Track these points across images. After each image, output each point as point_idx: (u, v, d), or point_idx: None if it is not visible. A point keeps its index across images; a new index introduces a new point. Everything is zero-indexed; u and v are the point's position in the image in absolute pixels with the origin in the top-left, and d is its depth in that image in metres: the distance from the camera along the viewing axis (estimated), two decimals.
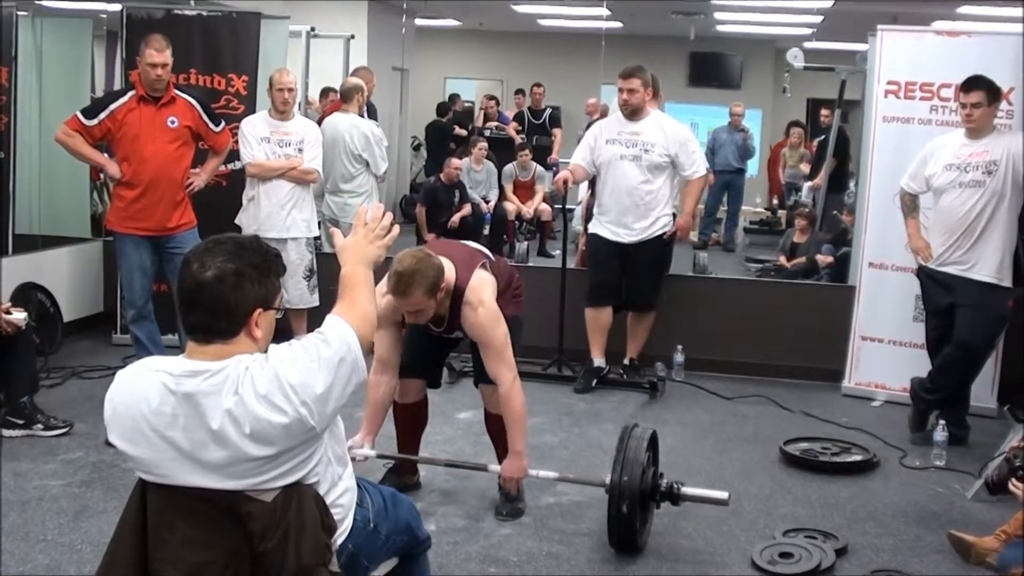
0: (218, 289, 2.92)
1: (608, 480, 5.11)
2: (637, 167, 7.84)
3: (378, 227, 3.40)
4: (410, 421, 5.80)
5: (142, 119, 6.96)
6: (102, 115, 6.95)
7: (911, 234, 7.03)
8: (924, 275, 6.98)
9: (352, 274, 3.30)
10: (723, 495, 5.23)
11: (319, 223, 8.50)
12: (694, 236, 14.39)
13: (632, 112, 7.86)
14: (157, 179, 7.01)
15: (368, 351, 3.14)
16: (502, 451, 5.62)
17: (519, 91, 17.35)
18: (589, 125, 10.18)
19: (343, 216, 8.74)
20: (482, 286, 5.25)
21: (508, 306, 5.40)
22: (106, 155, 7.29)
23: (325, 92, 11.73)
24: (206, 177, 7.44)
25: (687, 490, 5.19)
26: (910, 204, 7.08)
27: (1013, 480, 4.87)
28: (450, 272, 5.14)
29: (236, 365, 2.90)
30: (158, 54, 6.90)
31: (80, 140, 6.97)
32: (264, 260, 3.04)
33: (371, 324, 3.23)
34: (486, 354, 5.29)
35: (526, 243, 12.92)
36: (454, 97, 18.19)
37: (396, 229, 3.46)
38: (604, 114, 12.29)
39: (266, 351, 3.00)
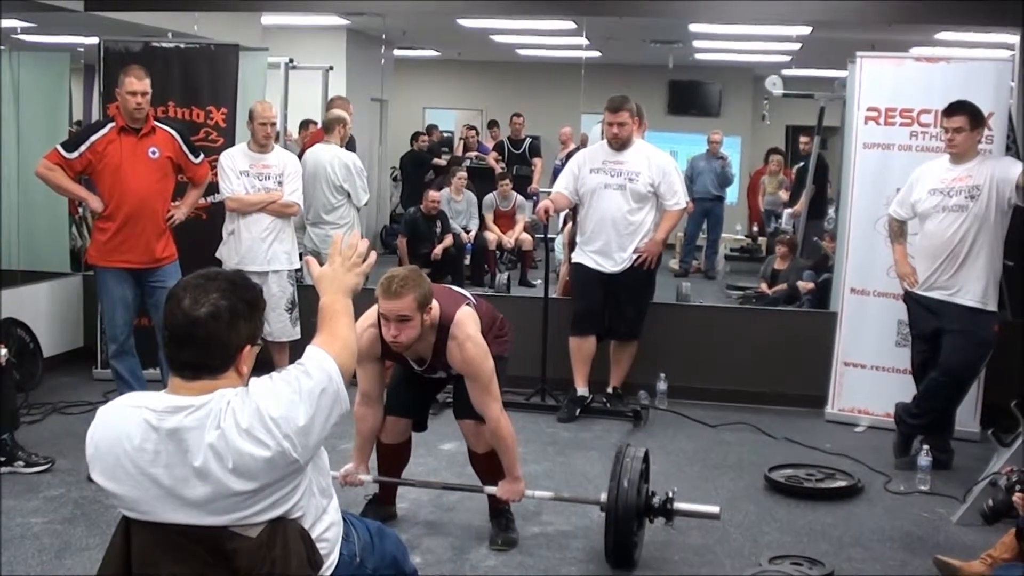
0: (213, 326, 2.90)
1: (603, 498, 5.14)
2: (622, 196, 7.86)
3: (355, 255, 3.39)
4: (392, 460, 5.78)
5: (123, 150, 6.92)
6: (83, 147, 6.90)
7: (897, 260, 7.05)
8: (910, 300, 7.00)
9: (331, 304, 3.28)
10: (715, 509, 5.31)
11: (300, 255, 8.47)
12: (674, 264, 14.45)
13: (621, 143, 7.87)
14: (139, 211, 6.97)
15: (350, 381, 3.12)
16: (492, 495, 5.63)
17: (492, 123, 17.38)
18: (570, 155, 10.20)
19: (325, 248, 8.69)
20: (467, 321, 5.23)
21: (492, 345, 5.37)
22: (86, 188, 7.26)
23: (305, 124, 11.73)
24: (187, 210, 7.39)
25: (680, 505, 5.26)
26: (897, 230, 7.10)
27: (1019, 494, 4.86)
28: (435, 307, 5.13)
29: (218, 399, 2.88)
30: (138, 82, 6.88)
31: (61, 174, 6.93)
32: (254, 296, 3.03)
33: (352, 353, 3.21)
34: (473, 388, 5.27)
35: (507, 273, 12.90)
36: (432, 128, 18.19)
37: (373, 256, 3.44)
38: (584, 143, 12.33)
39: (247, 384, 2.98)
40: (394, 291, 4.89)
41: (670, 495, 5.27)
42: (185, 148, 7.21)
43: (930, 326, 6.87)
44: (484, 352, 5.22)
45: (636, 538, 5.25)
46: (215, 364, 2.93)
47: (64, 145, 7.01)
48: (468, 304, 5.39)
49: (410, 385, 5.65)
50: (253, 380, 2.98)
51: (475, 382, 5.25)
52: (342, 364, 3.07)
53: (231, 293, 2.95)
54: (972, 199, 6.65)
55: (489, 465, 5.53)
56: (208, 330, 2.89)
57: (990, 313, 6.79)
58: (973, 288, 6.71)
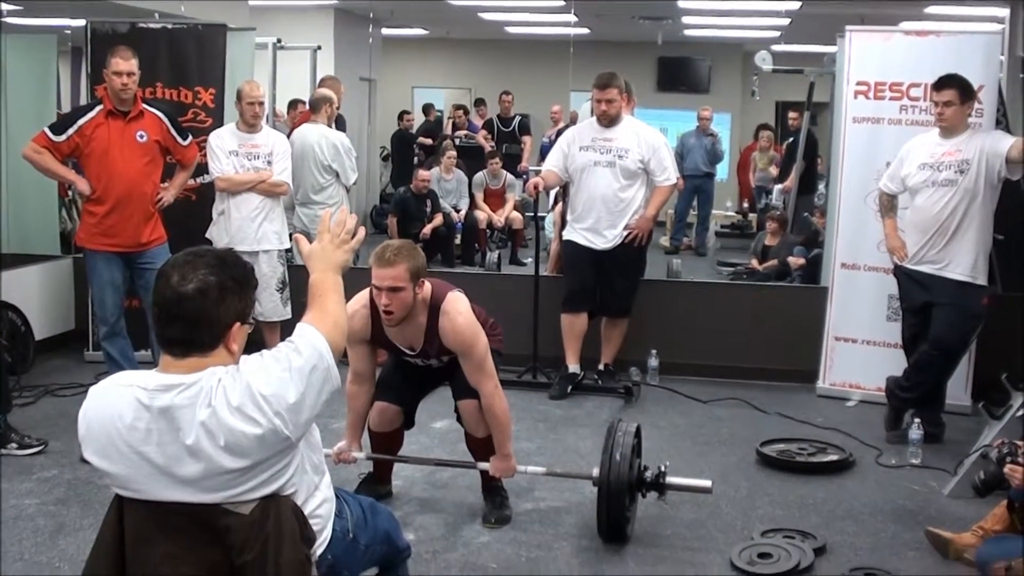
0: (200, 302, 2.90)
1: (596, 473, 5.15)
2: (612, 173, 7.85)
3: (343, 231, 3.38)
4: (385, 447, 5.75)
5: (111, 134, 6.91)
6: (70, 131, 6.89)
7: (888, 234, 7.05)
8: (901, 274, 7.00)
9: (321, 281, 3.28)
10: (707, 483, 5.33)
11: (290, 235, 8.46)
12: (665, 241, 14.46)
13: (610, 120, 7.86)
14: (127, 194, 6.97)
15: (340, 359, 3.12)
16: (485, 472, 5.64)
17: (479, 101, 17.37)
18: (560, 132, 10.19)
19: (314, 228, 8.63)
20: (459, 300, 5.22)
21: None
22: (75, 171, 7.26)
23: (293, 104, 11.72)
24: (175, 192, 7.39)
25: (672, 479, 5.27)
26: (887, 204, 7.10)
27: (1010, 466, 4.87)
28: (428, 286, 5.13)
29: (209, 377, 2.88)
30: (123, 62, 6.85)
31: (49, 157, 6.91)
32: (243, 273, 3.02)
33: (342, 330, 3.20)
34: (467, 365, 5.25)
35: (497, 252, 12.89)
36: (428, 107, 18.19)
37: (362, 232, 3.44)
38: (574, 121, 12.31)
39: (238, 363, 2.98)
40: (387, 259, 4.90)
41: (662, 469, 5.28)
42: (173, 131, 7.19)
43: (920, 300, 6.88)
44: (478, 328, 5.21)
45: (629, 512, 5.27)
46: (204, 340, 2.93)
47: (52, 128, 6.99)
48: (460, 292, 5.38)
49: (403, 374, 5.63)
50: (244, 358, 2.98)
51: (469, 359, 5.23)
52: (332, 341, 3.07)
53: (219, 270, 2.94)
54: (961, 173, 6.65)
55: (486, 450, 5.52)
56: (196, 306, 2.89)
57: (980, 287, 6.79)
58: (963, 262, 6.71)
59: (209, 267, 2.93)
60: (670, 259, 11.97)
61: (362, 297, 5.21)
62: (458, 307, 5.19)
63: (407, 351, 5.38)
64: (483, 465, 5.51)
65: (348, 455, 5.50)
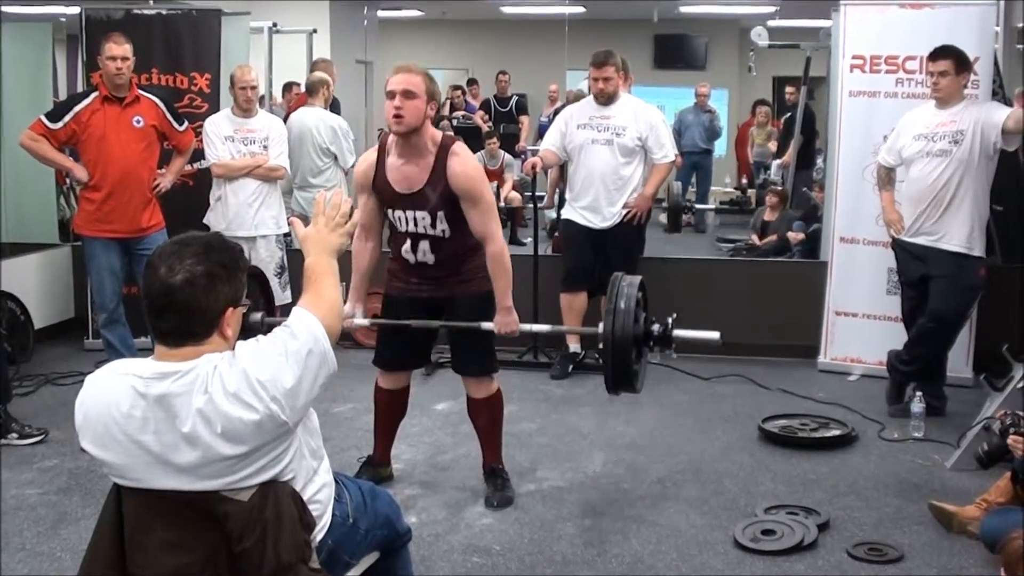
0: (189, 293, 2.87)
1: (601, 328, 4.93)
2: (610, 151, 7.83)
3: (338, 215, 3.38)
4: (391, 409, 5.75)
5: (107, 120, 6.93)
6: (67, 118, 6.91)
7: (885, 207, 7.05)
8: (897, 246, 7.00)
9: (316, 264, 3.28)
10: (714, 335, 4.96)
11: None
12: (663, 218, 14.43)
13: (607, 98, 7.85)
14: (124, 180, 6.98)
15: (336, 342, 3.10)
16: (486, 441, 5.68)
17: (471, 81, 17.31)
18: (557, 111, 10.17)
19: (312, 211, 8.68)
20: (468, 151, 5.31)
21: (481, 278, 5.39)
22: (72, 158, 7.26)
23: (288, 87, 11.69)
24: (172, 177, 7.40)
25: (679, 332, 4.93)
26: (884, 177, 7.10)
27: (1013, 437, 4.86)
28: (435, 130, 5.23)
29: (205, 364, 2.87)
30: (117, 47, 6.88)
31: (46, 144, 6.93)
32: (231, 257, 3.00)
33: (338, 314, 3.19)
34: (475, 213, 5.20)
35: None
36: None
37: (357, 215, 3.44)
38: (570, 100, 12.26)
39: (234, 348, 2.97)
40: (406, 67, 5.06)
41: (669, 323, 5.08)
42: (169, 116, 7.21)
43: (917, 272, 6.87)
44: (484, 175, 5.30)
45: (636, 367, 4.95)
46: (197, 330, 2.91)
47: (48, 115, 7.02)
48: None
49: (408, 335, 5.58)
50: (239, 343, 2.96)
51: (476, 206, 5.19)
52: (328, 325, 3.05)
53: (206, 257, 2.92)
54: (956, 144, 6.64)
55: (487, 410, 5.58)
56: (186, 297, 2.87)
57: (976, 258, 6.78)
58: (958, 233, 6.71)
59: (196, 256, 2.91)
60: (671, 183, 11.68)
61: (372, 150, 5.37)
62: (468, 153, 5.27)
63: (405, 191, 5.26)
64: (487, 325, 5.33)
65: (350, 322, 5.42)
